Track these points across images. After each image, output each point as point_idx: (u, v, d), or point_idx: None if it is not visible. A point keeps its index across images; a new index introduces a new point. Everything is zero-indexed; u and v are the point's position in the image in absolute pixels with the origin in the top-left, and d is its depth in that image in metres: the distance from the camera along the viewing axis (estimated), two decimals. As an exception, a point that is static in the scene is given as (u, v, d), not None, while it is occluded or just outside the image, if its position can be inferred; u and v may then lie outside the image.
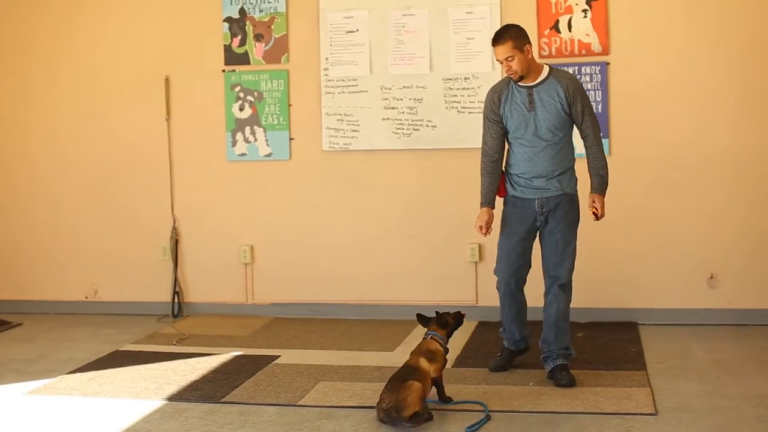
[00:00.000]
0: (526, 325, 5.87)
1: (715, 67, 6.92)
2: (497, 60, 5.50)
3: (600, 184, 5.54)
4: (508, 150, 5.66)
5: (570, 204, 5.59)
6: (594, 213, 5.52)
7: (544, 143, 5.49)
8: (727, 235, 6.97)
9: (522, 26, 5.56)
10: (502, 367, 5.86)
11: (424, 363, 5.07)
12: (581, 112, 5.48)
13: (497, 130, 5.61)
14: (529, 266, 5.75)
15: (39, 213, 8.07)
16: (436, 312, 5.41)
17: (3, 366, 6.36)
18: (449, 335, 5.37)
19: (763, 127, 6.87)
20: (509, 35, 5.44)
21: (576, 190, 5.62)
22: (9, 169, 8.11)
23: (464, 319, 5.48)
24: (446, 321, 5.37)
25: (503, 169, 5.70)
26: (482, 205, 5.68)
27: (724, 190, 6.95)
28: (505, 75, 5.60)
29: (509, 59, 5.41)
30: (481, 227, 5.67)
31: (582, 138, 5.56)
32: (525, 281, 5.78)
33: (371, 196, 7.50)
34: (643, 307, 7.06)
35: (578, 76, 6.97)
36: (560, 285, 5.60)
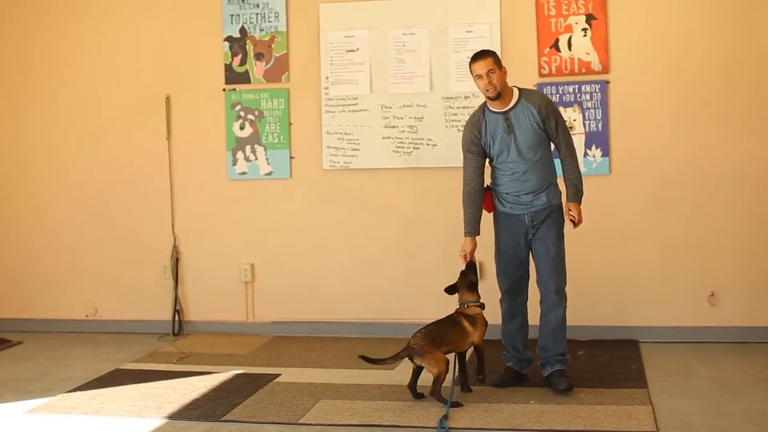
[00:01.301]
0: (528, 344, 5.99)
1: (716, 85, 6.93)
2: (476, 75, 5.63)
3: (575, 193, 5.76)
4: (493, 170, 5.86)
5: (557, 213, 5.79)
6: (572, 220, 5.73)
7: (527, 163, 5.68)
8: (728, 253, 6.97)
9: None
10: (504, 382, 5.89)
11: (466, 323, 5.72)
12: (555, 127, 5.68)
13: (477, 161, 5.79)
14: (528, 276, 5.94)
15: (39, 231, 8.07)
16: (461, 275, 5.88)
17: (3, 384, 6.35)
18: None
19: (763, 145, 6.88)
20: (490, 53, 5.70)
21: (561, 200, 5.82)
22: (9, 188, 8.12)
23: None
24: (472, 281, 5.85)
25: (491, 186, 5.89)
26: (466, 234, 5.83)
27: (725, 207, 6.96)
28: (476, 109, 5.88)
29: (491, 72, 5.58)
30: (465, 256, 5.83)
31: (557, 151, 5.78)
32: (527, 292, 5.96)
33: (372, 215, 7.50)
34: (644, 325, 7.05)
35: (578, 95, 7.01)
36: (557, 293, 5.75)
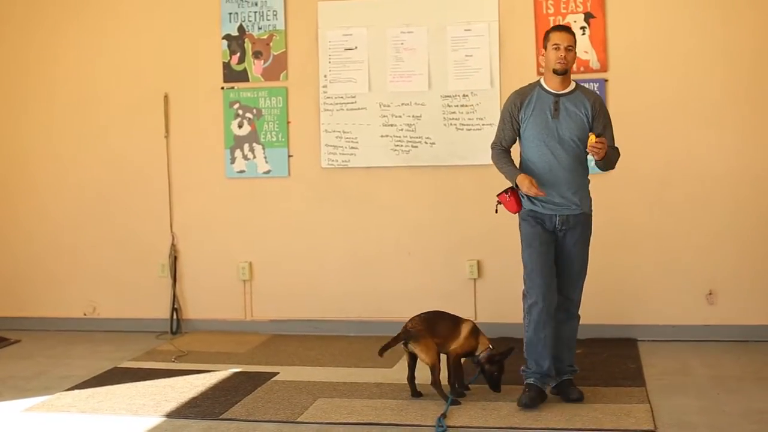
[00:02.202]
0: (552, 356, 5.54)
1: (714, 83, 6.94)
2: (554, 45, 5.39)
3: (612, 150, 5.46)
4: (525, 164, 5.53)
5: (587, 223, 5.57)
6: (594, 147, 5.29)
7: (564, 153, 5.41)
8: (726, 252, 6.98)
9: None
10: (533, 401, 5.42)
11: (466, 329, 5.71)
12: (603, 129, 5.45)
13: (510, 133, 5.57)
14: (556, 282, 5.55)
15: (38, 230, 8.07)
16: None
17: (1, 383, 6.34)
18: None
19: (762, 144, 6.89)
20: (573, 32, 5.51)
21: (592, 210, 5.59)
22: (8, 187, 8.11)
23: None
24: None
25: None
26: (517, 175, 5.42)
27: (723, 206, 6.96)
28: (531, 82, 5.61)
29: (569, 48, 5.39)
30: (532, 186, 5.32)
31: None
32: (556, 299, 5.53)
33: (370, 213, 7.50)
34: (643, 324, 7.06)
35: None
36: (575, 306, 5.62)
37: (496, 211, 5.61)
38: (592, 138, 5.31)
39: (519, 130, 5.54)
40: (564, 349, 5.60)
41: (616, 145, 5.54)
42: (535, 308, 5.45)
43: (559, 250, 5.53)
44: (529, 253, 5.51)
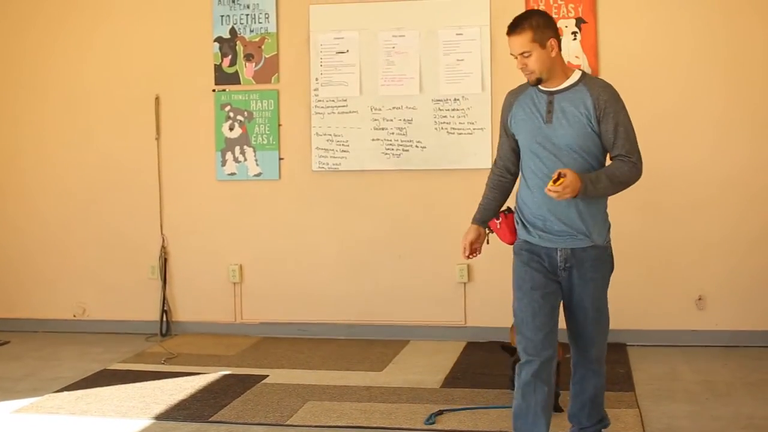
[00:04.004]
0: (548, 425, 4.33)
1: (701, 86, 6.96)
2: (511, 54, 4.38)
3: (597, 177, 4.19)
4: (521, 179, 4.43)
5: (601, 259, 4.39)
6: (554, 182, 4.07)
7: (562, 166, 4.17)
8: (715, 257, 6.99)
9: (548, 14, 4.47)
10: None
11: None
12: (613, 130, 4.22)
13: (508, 146, 4.48)
14: (557, 329, 4.36)
15: (27, 231, 8.05)
16: None
17: (-10, 384, 6.35)
18: None
19: (749, 149, 6.91)
20: (529, 24, 4.28)
21: (609, 240, 4.48)
22: (-2, 187, 8.11)
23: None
24: None
25: (514, 208, 4.48)
26: (473, 221, 4.52)
27: (712, 211, 6.98)
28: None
29: (525, 55, 4.26)
30: (464, 247, 4.48)
31: (611, 154, 4.33)
32: (557, 351, 4.36)
33: (360, 217, 7.50)
34: (632, 329, 7.05)
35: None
36: (596, 362, 4.49)
37: (488, 242, 4.57)
38: (555, 177, 4.08)
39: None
40: (584, 410, 4.55)
41: (629, 158, 4.26)
42: (524, 369, 4.26)
43: (568, 296, 4.37)
44: (519, 298, 4.34)
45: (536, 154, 4.27)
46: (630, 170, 4.27)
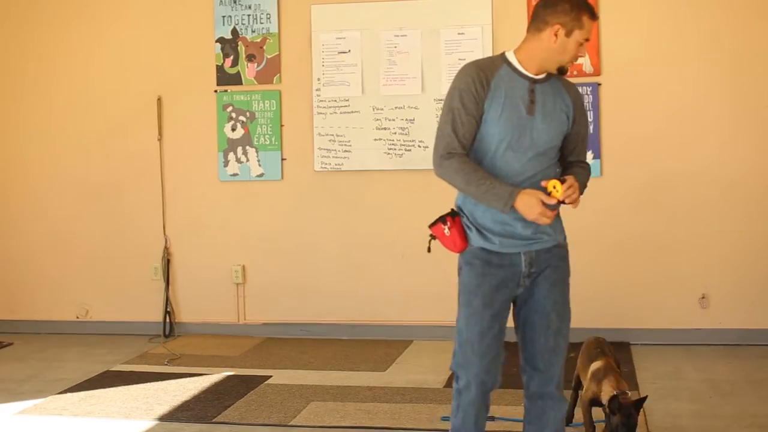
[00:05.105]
0: None
1: (705, 87, 6.95)
2: (584, 41, 3.76)
3: (581, 182, 3.85)
4: None
5: (564, 260, 3.95)
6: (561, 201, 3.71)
7: (536, 164, 3.78)
8: (719, 255, 6.98)
9: None
10: None
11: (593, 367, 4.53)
12: (583, 135, 3.98)
13: (471, 126, 3.83)
14: (503, 357, 3.92)
15: (30, 232, 8.05)
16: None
17: (-7, 386, 6.35)
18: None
19: (753, 146, 6.90)
20: None
21: (567, 241, 4.02)
22: (2, 190, 8.08)
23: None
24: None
25: (461, 209, 3.92)
26: (513, 190, 3.70)
27: (716, 210, 6.97)
28: (492, 55, 4.25)
29: (587, 42, 3.80)
30: (541, 214, 3.68)
31: (569, 157, 3.99)
32: (499, 381, 3.92)
33: (363, 217, 7.50)
34: (636, 327, 7.05)
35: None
36: (555, 385, 3.94)
37: (429, 250, 4.00)
38: (556, 185, 3.68)
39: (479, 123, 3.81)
40: None
41: (587, 165, 4.03)
42: (466, 394, 3.84)
43: (526, 305, 3.90)
44: (466, 315, 3.85)
45: (511, 148, 3.76)
46: (588, 178, 3.96)
